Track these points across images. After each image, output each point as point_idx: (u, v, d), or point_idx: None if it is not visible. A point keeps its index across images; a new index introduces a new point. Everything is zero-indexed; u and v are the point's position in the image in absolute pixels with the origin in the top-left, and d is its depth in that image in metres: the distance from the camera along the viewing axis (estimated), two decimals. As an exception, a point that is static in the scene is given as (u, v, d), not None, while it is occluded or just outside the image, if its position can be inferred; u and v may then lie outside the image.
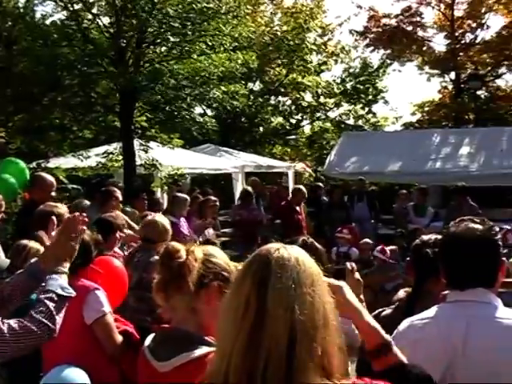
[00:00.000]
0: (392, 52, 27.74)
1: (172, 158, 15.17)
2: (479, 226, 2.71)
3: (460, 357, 2.56)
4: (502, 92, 27.29)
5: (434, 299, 2.98)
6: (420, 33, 27.85)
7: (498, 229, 2.77)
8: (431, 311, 2.76)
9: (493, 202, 16.58)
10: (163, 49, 13.80)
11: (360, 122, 28.69)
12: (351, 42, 28.32)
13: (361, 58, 28.60)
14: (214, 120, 18.22)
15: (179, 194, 10.71)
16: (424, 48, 27.82)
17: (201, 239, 9.21)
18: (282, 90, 27.01)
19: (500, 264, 2.73)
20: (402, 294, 4.02)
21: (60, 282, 2.83)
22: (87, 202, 8.54)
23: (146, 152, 13.90)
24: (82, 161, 14.22)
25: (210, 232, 10.18)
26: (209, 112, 24.06)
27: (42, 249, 3.78)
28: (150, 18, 12.95)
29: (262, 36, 24.23)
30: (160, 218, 6.66)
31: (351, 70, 28.43)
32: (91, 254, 4.38)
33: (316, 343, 1.74)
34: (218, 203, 11.14)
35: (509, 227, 11.53)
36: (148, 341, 2.54)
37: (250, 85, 25.64)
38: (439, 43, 27.78)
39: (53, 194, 7.62)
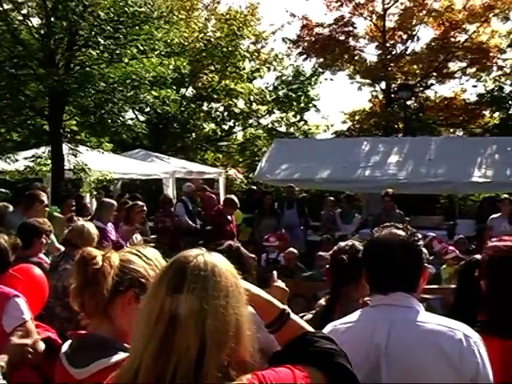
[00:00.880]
0: (324, 61, 28.00)
1: (102, 163, 15.00)
2: (402, 232, 2.77)
3: (383, 358, 2.60)
4: (430, 102, 27.86)
5: (353, 304, 3.01)
6: (352, 42, 28.17)
7: (420, 235, 2.83)
8: (354, 315, 2.80)
9: (420, 209, 16.92)
10: (94, 52, 13.59)
11: (292, 130, 28.88)
12: (284, 50, 28.50)
13: (293, 66, 28.77)
14: (144, 124, 18.05)
15: (106, 200, 10.57)
16: (356, 57, 28.17)
17: (128, 245, 9.09)
18: (215, 96, 26.96)
19: (422, 269, 2.79)
20: (323, 300, 4.06)
21: None
22: (9, 206, 8.36)
23: (76, 156, 13.70)
24: (9, 164, 13.94)
25: (137, 238, 10.05)
26: (141, 117, 23.90)
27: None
28: (81, 21, 12.80)
29: (196, 42, 24.20)
30: (86, 223, 6.56)
31: (284, 78, 28.57)
32: (8, 259, 4.26)
33: (225, 352, 1.78)
34: (145, 209, 11.03)
35: (434, 234, 11.73)
36: (65, 347, 2.50)
37: (183, 90, 25.53)
38: (371, 53, 28.17)
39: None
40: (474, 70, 26.66)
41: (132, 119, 20.89)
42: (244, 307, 1.87)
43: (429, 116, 27.16)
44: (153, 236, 12.67)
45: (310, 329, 2.20)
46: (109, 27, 12.98)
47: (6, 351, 3.71)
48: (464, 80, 27.52)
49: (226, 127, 29.14)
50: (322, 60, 28.07)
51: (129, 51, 13.64)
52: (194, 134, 27.49)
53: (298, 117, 28.87)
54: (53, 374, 2.60)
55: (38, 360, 3.99)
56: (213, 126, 28.84)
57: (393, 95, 26.40)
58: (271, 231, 12.68)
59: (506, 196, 13.24)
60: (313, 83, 28.52)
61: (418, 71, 27.26)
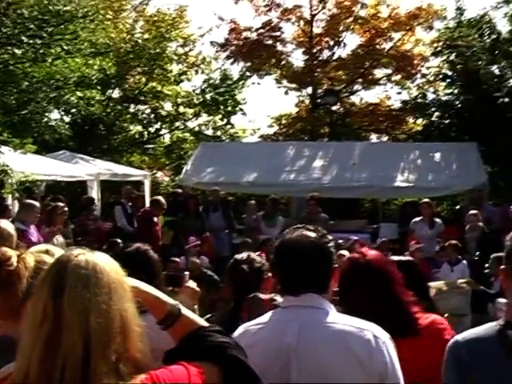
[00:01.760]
0: (251, 65, 28.07)
1: (25, 164, 14.67)
2: (312, 234, 2.80)
3: (294, 357, 2.62)
4: (356, 108, 28.25)
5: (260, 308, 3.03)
6: (279, 47, 28.36)
7: (331, 237, 2.86)
8: (265, 317, 2.81)
9: (344, 213, 17.14)
10: (18, 50, 13.31)
11: (218, 133, 28.88)
12: (212, 54, 28.42)
13: (221, 69, 28.72)
14: (68, 125, 17.75)
15: (28, 201, 10.36)
16: (283, 62, 28.33)
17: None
18: (142, 98, 26.71)
19: (332, 271, 2.82)
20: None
21: None
22: None
23: (-3, 157, 13.38)
24: None
25: (59, 240, 9.88)
26: (66, 118, 23.50)
27: None
28: (4, 18, 12.51)
29: (123, 43, 23.93)
30: (4, 223, 6.39)
31: (211, 81, 28.46)
32: None
33: (110, 350, 1.79)
34: (66, 210, 10.84)
35: (357, 238, 11.91)
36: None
37: (109, 92, 25.21)
38: (298, 58, 28.42)
39: None
40: (398, 77, 27.23)
41: (56, 120, 20.53)
42: (129, 303, 1.87)
43: (354, 121, 27.56)
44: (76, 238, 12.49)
45: (204, 323, 2.20)
46: (33, 25, 12.74)
47: None
48: (389, 87, 28.13)
49: (152, 130, 28.87)
50: (249, 64, 28.12)
51: (53, 50, 13.41)
52: (120, 136, 27.17)
53: (225, 120, 28.86)
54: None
55: None
56: (139, 128, 28.57)
57: (319, 100, 26.62)
58: (195, 235, 12.65)
59: (427, 200, 13.55)
60: (240, 87, 28.52)
61: (343, 77, 27.65)
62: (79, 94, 14.65)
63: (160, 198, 13.51)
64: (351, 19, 27.20)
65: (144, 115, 28.30)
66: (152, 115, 28.11)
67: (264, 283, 3.94)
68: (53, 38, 13.20)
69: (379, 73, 27.86)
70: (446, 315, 4.38)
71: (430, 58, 25.30)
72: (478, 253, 11.39)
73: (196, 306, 3.02)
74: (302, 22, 28.10)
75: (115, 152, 26.51)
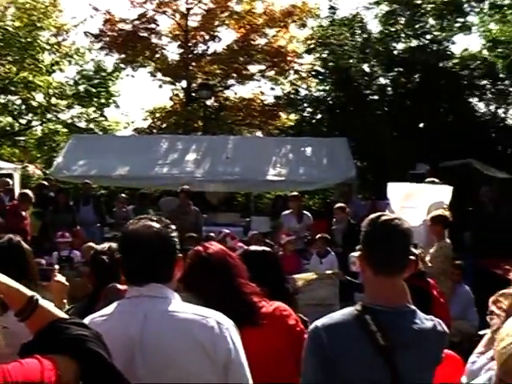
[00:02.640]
0: (126, 57, 27.70)
1: None
2: (156, 224, 2.82)
3: (138, 350, 2.62)
4: (230, 103, 28.39)
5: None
6: (154, 40, 28.11)
7: (174, 227, 2.88)
8: (110, 308, 2.80)
9: (217, 206, 17.26)
10: None
11: (92, 126, 28.32)
12: (86, 44, 27.81)
13: (95, 60, 28.19)
14: None
15: None
16: (157, 55, 28.13)
17: None
18: (12, 88, 25.85)
19: (176, 260, 2.85)
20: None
21: None
22: None
23: None
24: None
25: None
26: None
27: None
28: None
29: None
30: None
31: (84, 73, 27.91)
32: None
33: None
34: None
35: (228, 231, 12.00)
36: None
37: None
38: (173, 52, 28.26)
39: None
40: (272, 72, 27.58)
41: None
42: None
43: (228, 116, 27.71)
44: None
45: (63, 315, 2.17)
46: None
47: None
48: (263, 82, 28.35)
49: (23, 121, 28.06)
50: (123, 56, 27.74)
51: None
52: (-11, 128, 26.28)
53: (99, 113, 28.35)
54: None
55: None
56: (9, 119, 27.71)
57: (193, 94, 26.64)
58: (65, 228, 12.40)
59: (295, 193, 13.83)
60: (114, 79, 28.14)
61: (218, 71, 27.67)
62: None
63: (28, 191, 13.16)
64: (227, 14, 27.31)
65: (15, 106, 27.45)
66: (23, 106, 27.30)
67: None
68: None
69: (253, 68, 28.12)
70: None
71: (304, 55, 25.76)
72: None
73: (65, 300, 2.98)
74: (177, 16, 27.98)
75: (-16, 144, 25.62)
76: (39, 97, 27.13)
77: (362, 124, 19.44)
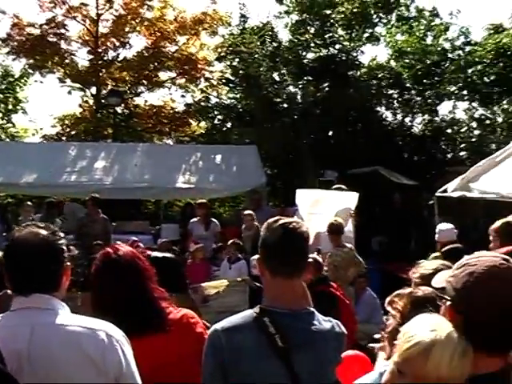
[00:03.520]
0: (34, 62, 27.05)
1: None
2: (43, 231, 2.73)
3: (26, 363, 2.53)
4: (140, 110, 28.04)
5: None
6: (64, 45, 27.48)
7: (62, 234, 2.80)
8: (-4, 321, 2.69)
9: (127, 214, 17.06)
10: None
11: (-1, 132, 27.57)
12: (-7, 48, 26.97)
13: (2, 65, 27.43)
14: None
15: None
16: (67, 61, 27.54)
17: None
18: None
19: (64, 269, 2.77)
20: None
21: None
22: None
23: None
24: None
25: None
26: None
27: None
28: None
29: None
30: None
31: (-9, 78, 27.20)
32: None
33: None
34: None
35: (136, 239, 11.88)
36: None
37: None
38: (82, 57, 27.74)
39: None
40: (183, 80, 27.45)
41: None
42: None
43: (138, 123, 27.39)
44: None
45: None
46: None
47: None
48: (173, 89, 28.15)
49: None
50: (31, 61, 27.08)
51: None
52: None
53: (6, 119, 27.61)
54: None
55: None
56: None
57: (103, 101, 26.23)
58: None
59: (202, 201, 13.83)
60: (22, 85, 27.47)
61: (128, 78, 27.39)
62: None
63: None
64: (137, 20, 27.05)
65: None
66: None
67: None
68: None
69: (164, 75, 27.92)
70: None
71: (214, 63, 25.79)
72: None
73: None
74: (87, 21, 27.51)
75: None
76: None
77: (272, 132, 19.60)
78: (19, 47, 26.79)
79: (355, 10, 21.92)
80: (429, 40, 22.27)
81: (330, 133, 21.26)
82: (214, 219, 13.79)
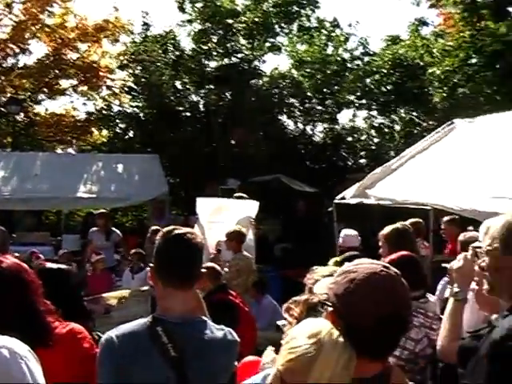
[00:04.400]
0: None
1: None
2: None
3: None
4: (40, 118, 27.43)
5: None
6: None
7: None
8: None
9: (26, 225, 16.68)
10: None
11: None
12: None
13: None
14: None
15: None
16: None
17: None
18: None
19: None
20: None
21: None
22: None
23: None
24: None
25: None
26: None
27: None
28: None
29: None
30: None
31: None
32: None
33: None
34: None
35: (35, 250, 11.66)
36: None
37: None
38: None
39: None
40: (84, 88, 27.04)
41: None
42: None
43: (38, 132, 26.75)
44: None
45: None
46: None
47: None
48: (75, 97, 27.67)
49: None
50: None
51: None
52: None
53: None
54: None
55: None
56: None
57: (2, 109, 25.52)
58: None
59: (102, 210, 13.71)
60: None
61: (28, 86, 26.77)
62: None
63: None
64: (38, 27, 26.46)
65: None
66: None
67: None
68: None
69: (65, 83, 27.40)
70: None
71: (116, 71, 25.54)
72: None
73: None
74: (-16, 27, 26.74)
75: None
76: None
77: (175, 140, 19.58)
78: None
79: (257, 20, 22.11)
80: (329, 50, 22.69)
81: (233, 141, 21.38)
82: (114, 229, 13.66)
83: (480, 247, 3.07)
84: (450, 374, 3.28)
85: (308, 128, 22.95)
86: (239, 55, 22.36)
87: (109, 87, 26.56)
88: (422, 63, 19.44)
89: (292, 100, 22.26)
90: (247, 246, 10.28)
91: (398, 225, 6.77)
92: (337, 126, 22.79)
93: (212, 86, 21.66)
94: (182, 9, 22.72)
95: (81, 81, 26.69)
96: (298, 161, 20.28)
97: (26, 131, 25.79)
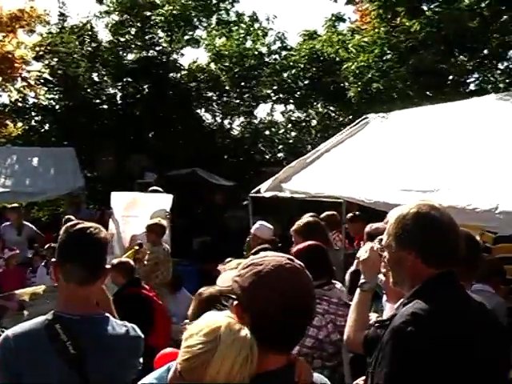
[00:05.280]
0: None
1: None
2: None
3: None
4: None
5: None
6: None
7: None
8: None
9: None
10: None
11: None
12: None
13: None
14: None
15: None
16: None
17: None
18: None
19: None
20: None
21: None
22: None
23: None
24: None
25: None
26: None
27: None
28: None
29: None
30: None
31: None
32: None
33: None
34: None
35: None
36: None
37: None
38: None
39: None
40: (-1, 79, 26.46)
41: None
42: None
43: None
44: None
45: None
46: None
47: None
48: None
49: None
50: None
51: None
52: None
53: None
54: None
55: None
56: None
57: None
58: None
59: (14, 205, 13.46)
60: None
61: None
62: None
63: None
64: None
65: None
66: None
67: None
68: None
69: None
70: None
71: (32, 62, 25.00)
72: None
73: None
74: None
75: None
76: None
77: (91, 134, 19.33)
78: None
79: (176, 13, 21.98)
80: (248, 44, 22.77)
81: (151, 134, 21.26)
82: (27, 223, 13.41)
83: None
84: (362, 362, 3.36)
85: (226, 122, 23.03)
86: (157, 48, 22.20)
87: (24, 79, 26.03)
88: (338, 58, 19.66)
89: (210, 93, 22.25)
90: (163, 239, 10.29)
91: (310, 218, 6.92)
92: (255, 120, 22.93)
93: (130, 79, 21.46)
94: (99, 0, 22.40)
95: (-4, 72, 26.07)
96: (216, 154, 20.30)
97: None
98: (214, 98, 22.40)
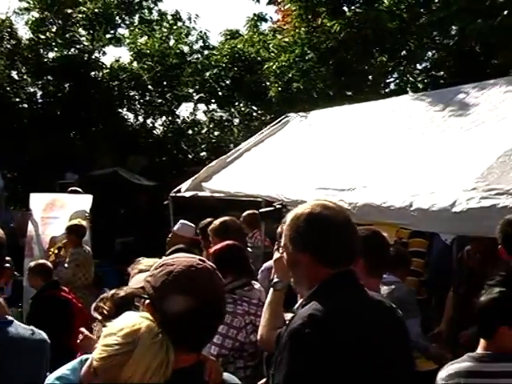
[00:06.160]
0: None
1: None
2: None
3: None
4: None
5: None
6: None
7: None
8: None
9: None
10: None
11: None
12: None
13: None
14: None
15: None
16: None
17: None
18: None
19: None
20: None
21: None
22: None
23: None
24: None
25: None
26: None
27: None
28: None
29: None
30: None
31: None
32: None
33: None
34: None
35: None
36: None
37: None
38: None
39: None
40: None
41: None
42: None
43: None
44: None
45: None
46: None
47: None
48: None
49: None
50: None
51: None
52: None
53: None
54: None
55: None
56: None
57: None
58: None
59: None
60: None
61: None
62: None
63: None
64: None
65: None
66: None
67: None
68: None
69: None
70: None
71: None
72: None
73: None
74: None
75: None
76: None
77: (10, 133, 18.93)
78: None
79: (97, 11, 21.77)
80: (171, 43, 22.68)
81: (71, 134, 20.97)
82: None
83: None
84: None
85: (148, 121, 22.93)
86: (79, 46, 21.94)
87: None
88: (259, 58, 19.81)
89: (133, 93, 22.12)
90: (83, 240, 10.19)
91: (226, 218, 7.00)
92: (178, 120, 22.89)
93: (50, 77, 21.13)
94: (20, -4, 21.97)
95: None
96: (139, 154, 20.18)
97: None
98: (137, 97, 22.30)
